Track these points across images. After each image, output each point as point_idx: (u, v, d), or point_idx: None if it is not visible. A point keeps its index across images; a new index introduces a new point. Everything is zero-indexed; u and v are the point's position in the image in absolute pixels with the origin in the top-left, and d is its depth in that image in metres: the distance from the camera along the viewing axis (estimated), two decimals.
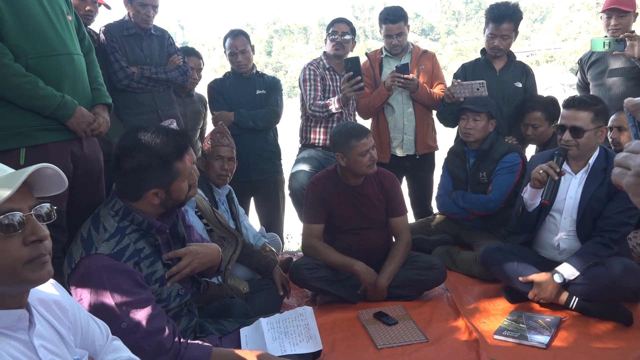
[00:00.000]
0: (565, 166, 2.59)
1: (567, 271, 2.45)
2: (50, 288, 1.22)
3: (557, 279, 2.46)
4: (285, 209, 3.91)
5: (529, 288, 2.54)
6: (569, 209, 2.60)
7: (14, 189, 0.99)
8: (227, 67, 3.77)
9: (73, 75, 2.21)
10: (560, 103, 2.92)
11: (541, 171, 2.43)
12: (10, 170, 1.05)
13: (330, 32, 3.63)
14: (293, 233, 5.32)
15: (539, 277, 2.51)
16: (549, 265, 2.62)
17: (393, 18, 3.58)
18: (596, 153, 2.59)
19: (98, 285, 1.59)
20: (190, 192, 1.87)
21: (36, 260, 1.05)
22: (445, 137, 3.95)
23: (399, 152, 3.71)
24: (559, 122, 2.63)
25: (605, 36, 3.36)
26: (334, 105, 3.45)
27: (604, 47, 3.27)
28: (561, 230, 2.63)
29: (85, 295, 1.59)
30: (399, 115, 3.65)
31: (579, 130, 2.50)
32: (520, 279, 2.55)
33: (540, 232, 2.72)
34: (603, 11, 3.50)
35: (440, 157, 3.76)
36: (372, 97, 3.62)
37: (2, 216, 1.00)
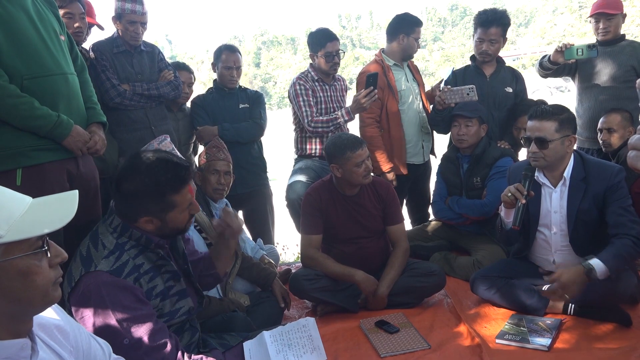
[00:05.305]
0: (542, 178, 2.58)
1: (601, 271, 2.24)
2: (49, 312, 1.21)
3: (590, 274, 2.24)
4: (275, 221, 3.90)
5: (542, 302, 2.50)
6: (557, 223, 2.55)
7: (68, 218, 1.02)
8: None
9: (67, 94, 2.22)
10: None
11: (509, 194, 2.41)
12: (8, 190, 1.03)
13: (324, 52, 3.59)
14: (289, 244, 5.31)
15: (565, 275, 2.26)
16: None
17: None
18: (571, 163, 2.52)
19: (98, 303, 1.58)
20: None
21: (57, 281, 1.08)
22: (438, 144, 3.98)
23: (415, 160, 3.73)
24: (525, 134, 2.57)
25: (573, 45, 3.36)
26: (342, 117, 3.50)
27: (577, 54, 3.31)
28: (554, 246, 2.59)
29: (86, 313, 1.59)
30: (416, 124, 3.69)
31: (543, 141, 2.43)
32: (538, 289, 2.43)
33: (533, 248, 2.68)
34: (591, 16, 3.55)
35: (435, 163, 3.78)
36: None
37: (40, 240, 1.02)
